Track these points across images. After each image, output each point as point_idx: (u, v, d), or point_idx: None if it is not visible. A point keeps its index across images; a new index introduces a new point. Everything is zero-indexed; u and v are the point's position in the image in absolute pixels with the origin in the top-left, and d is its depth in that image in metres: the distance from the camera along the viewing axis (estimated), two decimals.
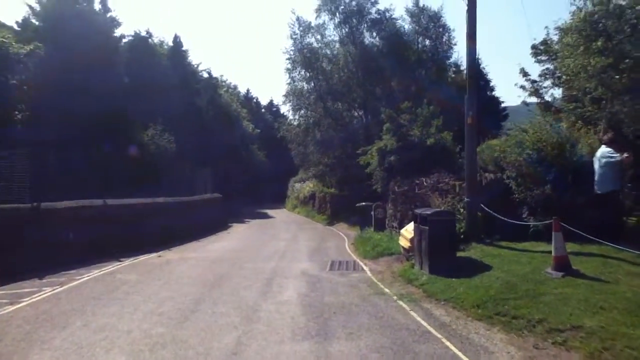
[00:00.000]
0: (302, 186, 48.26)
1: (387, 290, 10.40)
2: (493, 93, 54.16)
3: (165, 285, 11.02)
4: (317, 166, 36.87)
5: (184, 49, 46.40)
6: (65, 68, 28.38)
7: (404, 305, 9.06)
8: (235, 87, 66.98)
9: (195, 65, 50.68)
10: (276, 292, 10.09)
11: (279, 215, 44.15)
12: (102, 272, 13.05)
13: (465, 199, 12.68)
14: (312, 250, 17.76)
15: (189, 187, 32.79)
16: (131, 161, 29.17)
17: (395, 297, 9.67)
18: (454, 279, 10.20)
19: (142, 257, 16.23)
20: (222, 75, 73.81)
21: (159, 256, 16.40)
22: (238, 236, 24.55)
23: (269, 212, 47.35)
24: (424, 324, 7.88)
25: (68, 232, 15.49)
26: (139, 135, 33.96)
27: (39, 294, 10.30)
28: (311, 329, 7.46)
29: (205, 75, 51.87)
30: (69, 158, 24.61)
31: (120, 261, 15.23)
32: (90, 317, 8.21)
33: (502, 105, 54.60)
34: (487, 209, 12.04)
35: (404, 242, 13.26)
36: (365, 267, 13.37)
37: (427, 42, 34.59)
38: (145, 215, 19.59)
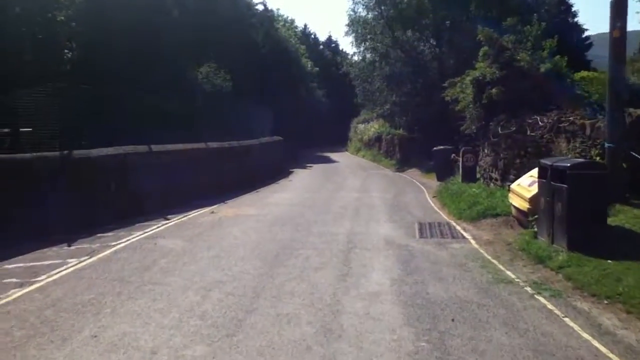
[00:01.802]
0: (366, 127, 44.99)
1: (511, 274, 7.55)
2: (575, 20, 48.22)
3: (214, 259, 8.57)
4: (384, 105, 33.49)
5: None
6: (111, 3, 26.11)
7: (549, 305, 6.24)
8: (292, 22, 63.04)
9: None
10: (359, 276, 7.42)
11: (342, 159, 41.37)
12: (142, 236, 10.78)
13: (606, 144, 9.41)
14: (389, 204, 14.98)
15: (247, 129, 30.47)
16: (184, 101, 27.00)
17: (529, 289, 6.83)
18: (609, 261, 7.27)
19: (193, 213, 13.97)
20: (278, 9, 69.96)
21: (212, 212, 14.08)
22: (301, 185, 22.04)
23: (331, 155, 44.62)
24: (599, 346, 5.06)
25: (109, 183, 13.35)
26: (192, 73, 31.64)
27: (59, 269, 8.08)
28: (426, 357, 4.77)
29: (261, 8, 48.46)
30: (117, 97, 22.57)
31: (167, 219, 13.00)
32: (106, 320, 5.81)
33: (585, 34, 48.79)
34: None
35: (518, 202, 10.23)
36: (465, 234, 10.49)
37: None
38: (198, 162, 17.28)
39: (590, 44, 46.30)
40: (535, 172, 10.48)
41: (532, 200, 9.45)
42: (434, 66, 31.21)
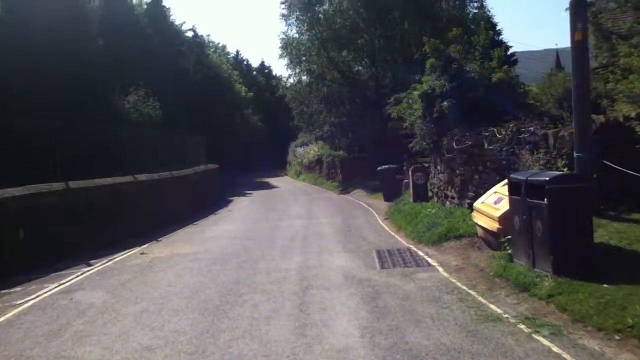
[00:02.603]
0: (305, 150, 44.04)
1: (495, 308, 6.48)
2: (500, 37, 49.61)
3: (142, 315, 7.04)
4: (322, 126, 32.63)
5: (164, 5, 41.47)
6: (28, 28, 23.99)
7: (554, 348, 5.16)
8: (223, 48, 61.90)
9: (179, 25, 45.84)
10: (321, 326, 6.13)
11: (283, 183, 40.11)
12: (57, 289, 9.05)
13: (575, 154, 8.64)
14: (340, 231, 13.83)
15: (180, 159, 28.72)
16: (109, 134, 25.06)
17: (523, 327, 5.75)
18: (605, 286, 6.33)
19: (120, 256, 12.28)
20: (209, 35, 68.44)
21: (142, 253, 12.42)
22: (241, 214, 20.57)
23: (271, 180, 43.26)
24: None
25: (17, 230, 11.47)
26: (118, 103, 29.66)
27: None
28: None
29: (190, 34, 47.02)
30: (30, 135, 20.42)
31: (89, 265, 11.27)
32: None
33: (510, 51, 50.24)
34: (618, 167, 8.05)
35: (485, 222, 9.29)
36: (430, 260, 9.42)
37: None
38: (126, 198, 15.56)
39: (516, 60, 47.73)
40: (499, 187, 9.64)
41: (503, 219, 8.52)
42: (371, 85, 30.70)
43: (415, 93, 13.78)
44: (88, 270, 10.72)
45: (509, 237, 8.35)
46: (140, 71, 33.48)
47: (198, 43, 47.36)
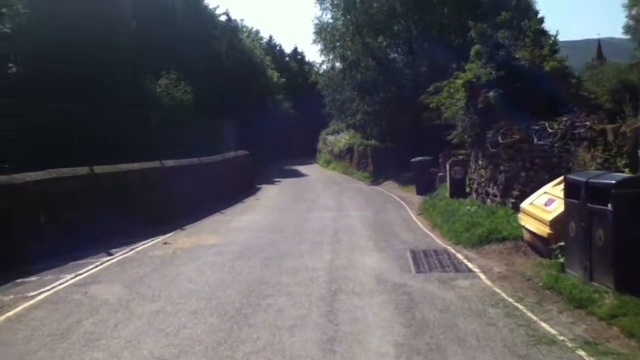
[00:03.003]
0: (336, 138, 43.24)
1: (548, 328, 5.73)
2: (542, 25, 47.65)
3: (157, 316, 6.51)
4: (354, 115, 31.79)
5: None
6: (61, 11, 23.74)
7: None
8: (257, 33, 61.19)
9: (212, 9, 45.31)
10: (352, 341, 5.47)
11: (312, 172, 39.50)
12: (73, 280, 8.64)
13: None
14: (371, 226, 13.12)
15: (210, 144, 28.35)
16: (138, 117, 24.75)
17: (583, 354, 5.04)
18: None
19: (143, 245, 11.85)
20: (242, 19, 67.62)
21: (165, 243, 11.96)
22: (269, 203, 20.04)
23: (300, 168, 42.71)
24: None
25: (38, 215, 11.12)
26: (150, 86, 29.40)
27: None
28: None
29: (224, 18, 46.43)
30: (63, 116, 20.17)
31: (110, 254, 10.86)
32: None
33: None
34: None
35: (533, 225, 8.47)
36: (471, 265, 8.65)
37: None
38: (153, 184, 15.15)
39: (556, 50, 45.85)
40: (550, 187, 8.81)
41: (555, 223, 7.70)
42: (407, 73, 29.70)
43: (458, 82, 12.85)
44: (108, 260, 10.30)
45: (561, 244, 7.55)
46: (172, 54, 33.23)
47: (231, 27, 46.73)
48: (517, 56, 11.87)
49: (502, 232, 9.63)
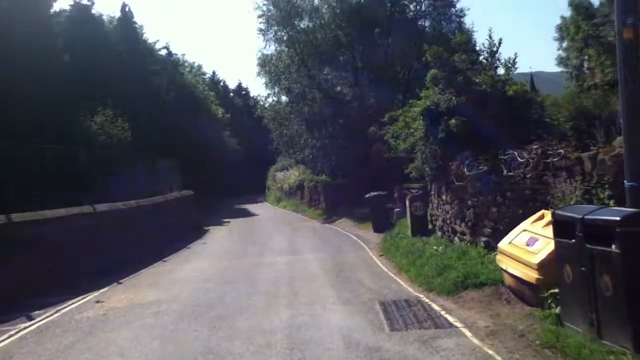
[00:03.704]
0: (285, 175, 42.16)
1: None
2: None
3: None
4: (303, 150, 30.86)
5: (135, 22, 39.54)
6: None
7: None
8: (199, 68, 59.97)
9: (152, 43, 43.91)
10: None
11: (263, 210, 38.11)
12: None
13: (626, 183, 6.95)
14: (331, 271, 11.94)
15: (151, 184, 26.66)
16: (74, 157, 22.92)
17: None
18: None
19: (71, 304, 10.29)
20: (183, 55, 66.11)
21: (98, 301, 10.39)
22: (218, 248, 18.56)
23: (250, 207, 41.26)
24: None
25: None
26: (84, 123, 27.54)
27: None
28: None
29: (164, 52, 45.10)
30: None
31: (30, 318, 9.26)
32: None
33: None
34: None
35: (517, 268, 7.53)
36: (450, 318, 7.56)
37: None
38: (84, 232, 13.50)
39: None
40: (528, 224, 7.98)
41: (544, 267, 6.80)
42: (354, 105, 29.16)
43: (416, 109, 12.03)
44: (26, 327, 8.70)
45: (554, 291, 6.62)
46: (109, 90, 31.53)
47: (172, 62, 45.47)
48: (477, 80, 11.22)
49: (479, 277, 8.66)
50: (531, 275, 7.09)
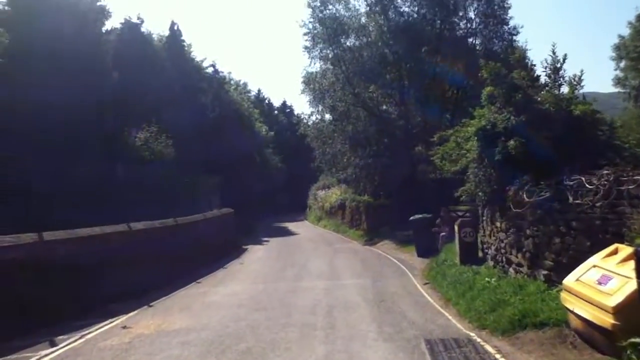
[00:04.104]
0: (327, 194, 41.46)
1: None
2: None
3: None
4: (346, 169, 30.08)
5: (183, 40, 40.03)
6: (39, 63, 22.23)
7: None
8: (245, 86, 60.40)
9: (199, 61, 44.41)
10: None
11: (302, 229, 37.45)
12: None
13: None
14: (372, 300, 11.08)
15: (193, 201, 26.48)
16: (118, 175, 22.96)
17: None
18: None
19: (97, 329, 9.84)
20: (229, 72, 66.75)
21: (124, 327, 9.87)
22: (254, 268, 17.97)
23: (290, 226, 40.71)
24: None
25: None
26: (129, 140, 27.77)
27: None
28: None
29: (210, 70, 45.44)
30: (37, 171, 18.40)
31: (54, 344, 8.83)
32: None
33: None
34: None
35: (584, 309, 6.54)
36: None
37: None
38: (118, 251, 13.12)
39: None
40: (599, 259, 7.00)
41: (622, 311, 5.82)
42: (400, 124, 28.31)
43: (470, 129, 11.11)
44: (46, 355, 8.22)
45: (635, 340, 5.62)
46: (155, 106, 31.85)
47: (218, 79, 45.76)
48: (539, 99, 10.24)
49: (539, 315, 7.68)
50: (605, 320, 6.10)
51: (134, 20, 35.13)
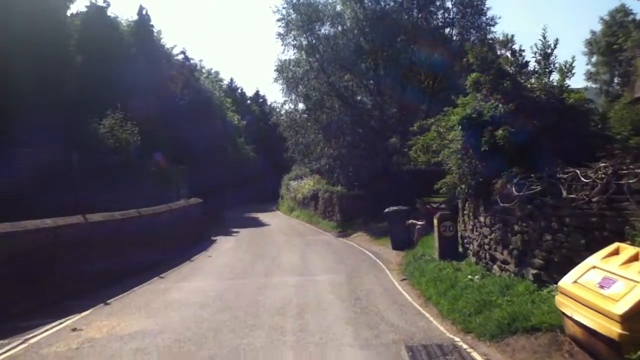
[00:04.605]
0: (300, 184, 40.64)
1: None
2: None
3: None
4: (319, 159, 29.28)
5: (152, 25, 38.52)
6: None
7: None
8: (216, 74, 58.99)
9: (169, 48, 42.96)
10: None
11: (274, 220, 36.56)
12: None
13: None
14: (347, 299, 10.31)
15: (160, 191, 25.30)
16: (81, 162, 21.66)
17: None
18: None
19: (44, 331, 8.84)
20: (201, 60, 65.16)
21: (74, 329, 8.90)
22: (222, 262, 17.04)
23: (261, 216, 39.79)
24: None
25: None
26: (92, 127, 26.35)
27: None
28: None
29: (181, 57, 44.03)
30: None
31: None
32: None
33: None
34: None
35: (584, 315, 5.88)
36: None
37: None
38: (73, 245, 12.05)
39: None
40: (598, 260, 6.36)
41: (631, 319, 5.16)
42: (375, 115, 27.60)
43: (454, 118, 10.37)
44: None
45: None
46: (121, 93, 30.45)
47: (188, 67, 44.38)
48: (529, 85, 9.57)
49: (530, 319, 7.01)
50: (611, 329, 5.43)
51: (100, 3, 33.57)
